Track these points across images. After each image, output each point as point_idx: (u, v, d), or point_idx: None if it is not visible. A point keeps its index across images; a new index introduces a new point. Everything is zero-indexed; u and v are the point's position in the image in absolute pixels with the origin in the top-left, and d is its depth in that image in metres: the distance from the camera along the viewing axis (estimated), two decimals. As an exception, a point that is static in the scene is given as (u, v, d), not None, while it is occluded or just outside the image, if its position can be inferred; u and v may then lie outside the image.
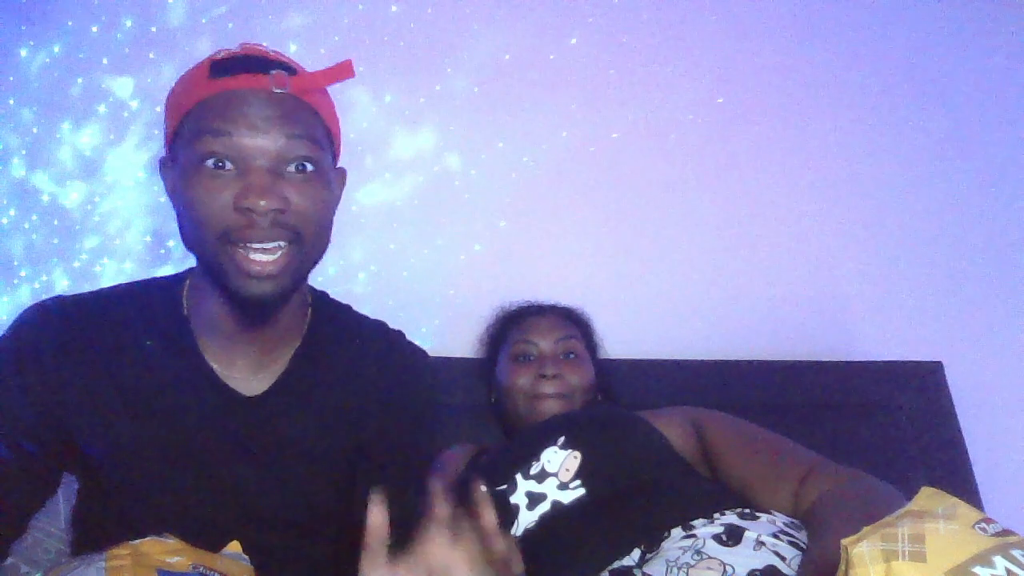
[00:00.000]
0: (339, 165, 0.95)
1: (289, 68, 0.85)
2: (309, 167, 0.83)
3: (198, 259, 0.87)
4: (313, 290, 1.02)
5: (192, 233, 0.83)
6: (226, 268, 0.80)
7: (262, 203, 0.78)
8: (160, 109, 1.71)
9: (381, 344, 1.01)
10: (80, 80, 1.75)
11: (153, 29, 1.76)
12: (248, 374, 0.91)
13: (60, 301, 0.91)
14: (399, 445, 0.97)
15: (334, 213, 0.90)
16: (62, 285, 1.70)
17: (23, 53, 1.76)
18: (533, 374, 1.27)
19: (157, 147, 1.74)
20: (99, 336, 0.88)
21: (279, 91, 0.81)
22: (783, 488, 0.94)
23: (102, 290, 0.96)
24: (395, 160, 1.72)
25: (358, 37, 1.72)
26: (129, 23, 1.76)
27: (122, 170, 1.74)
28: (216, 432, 0.89)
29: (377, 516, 0.64)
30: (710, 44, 1.78)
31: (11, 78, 1.75)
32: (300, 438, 0.92)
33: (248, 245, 0.79)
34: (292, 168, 0.82)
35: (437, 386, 1.05)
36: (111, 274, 1.70)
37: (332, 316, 1.00)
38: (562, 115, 1.75)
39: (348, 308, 1.04)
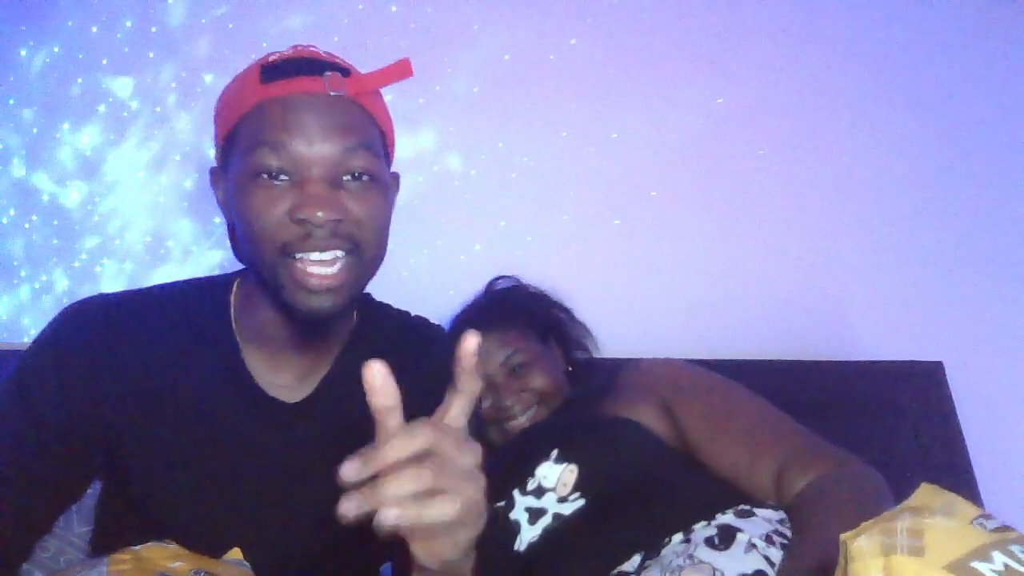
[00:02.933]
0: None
1: (343, 69, 0.82)
2: (366, 177, 0.80)
3: (254, 271, 0.85)
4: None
5: (248, 246, 0.80)
6: (283, 282, 0.78)
7: (319, 214, 0.75)
8: (160, 109, 1.74)
9: (421, 341, 0.99)
10: (80, 80, 1.76)
11: (153, 29, 1.77)
12: (292, 382, 0.89)
13: (100, 301, 0.89)
14: None
15: (390, 221, 0.87)
16: (62, 285, 1.70)
17: (23, 53, 1.76)
18: (492, 403, 1.20)
19: (157, 147, 1.75)
20: (139, 338, 0.86)
21: (334, 94, 0.78)
22: (763, 475, 0.92)
23: (147, 289, 0.93)
24: (395, 160, 1.72)
25: (358, 37, 1.73)
26: (129, 23, 1.77)
27: (122, 170, 1.74)
28: (252, 441, 0.87)
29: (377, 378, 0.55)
30: (710, 44, 1.78)
31: (11, 78, 1.76)
32: (340, 443, 0.90)
33: (306, 257, 0.77)
34: (349, 177, 0.79)
35: None
36: (111, 274, 1.71)
37: (375, 317, 0.98)
38: (562, 115, 1.75)
39: (387, 306, 1.03)
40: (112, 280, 1.70)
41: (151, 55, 1.76)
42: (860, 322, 1.68)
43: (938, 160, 1.74)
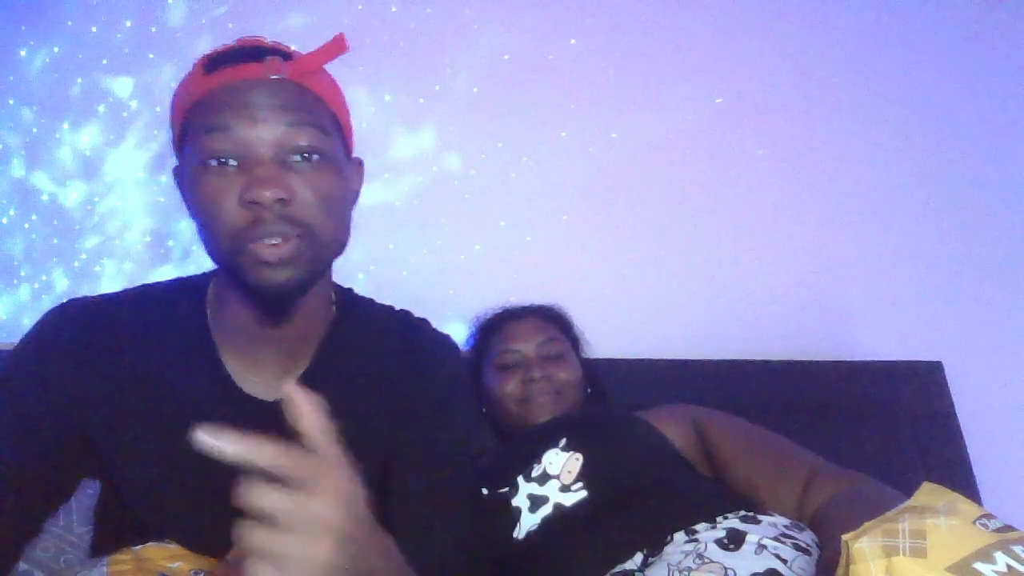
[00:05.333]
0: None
1: (285, 54, 0.82)
2: (316, 156, 0.80)
3: (215, 262, 0.84)
4: (338, 287, 0.99)
5: (207, 238, 0.80)
6: (242, 264, 0.78)
7: (267, 194, 0.75)
8: (160, 109, 1.74)
9: (404, 335, 0.98)
10: (80, 80, 1.75)
11: (153, 29, 1.77)
12: (271, 378, 0.89)
13: (82, 303, 0.89)
14: (430, 435, 0.94)
15: (351, 204, 0.86)
16: (62, 285, 1.70)
17: (23, 53, 1.76)
18: (520, 379, 1.25)
19: (157, 147, 1.74)
20: (119, 339, 0.86)
21: (275, 77, 0.79)
22: (786, 491, 0.94)
23: (129, 291, 0.93)
24: (395, 160, 1.72)
25: (358, 37, 1.70)
26: (129, 23, 1.77)
27: (122, 170, 1.74)
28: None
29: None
30: (710, 44, 1.78)
31: (11, 78, 1.76)
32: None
33: (259, 241, 0.77)
34: (298, 158, 0.79)
35: (464, 374, 1.01)
36: (111, 274, 1.70)
37: (355, 311, 0.97)
38: (562, 115, 1.75)
39: (371, 301, 1.01)
40: (112, 280, 1.70)
41: (151, 55, 1.76)
42: (860, 322, 1.68)
43: (938, 160, 1.74)
